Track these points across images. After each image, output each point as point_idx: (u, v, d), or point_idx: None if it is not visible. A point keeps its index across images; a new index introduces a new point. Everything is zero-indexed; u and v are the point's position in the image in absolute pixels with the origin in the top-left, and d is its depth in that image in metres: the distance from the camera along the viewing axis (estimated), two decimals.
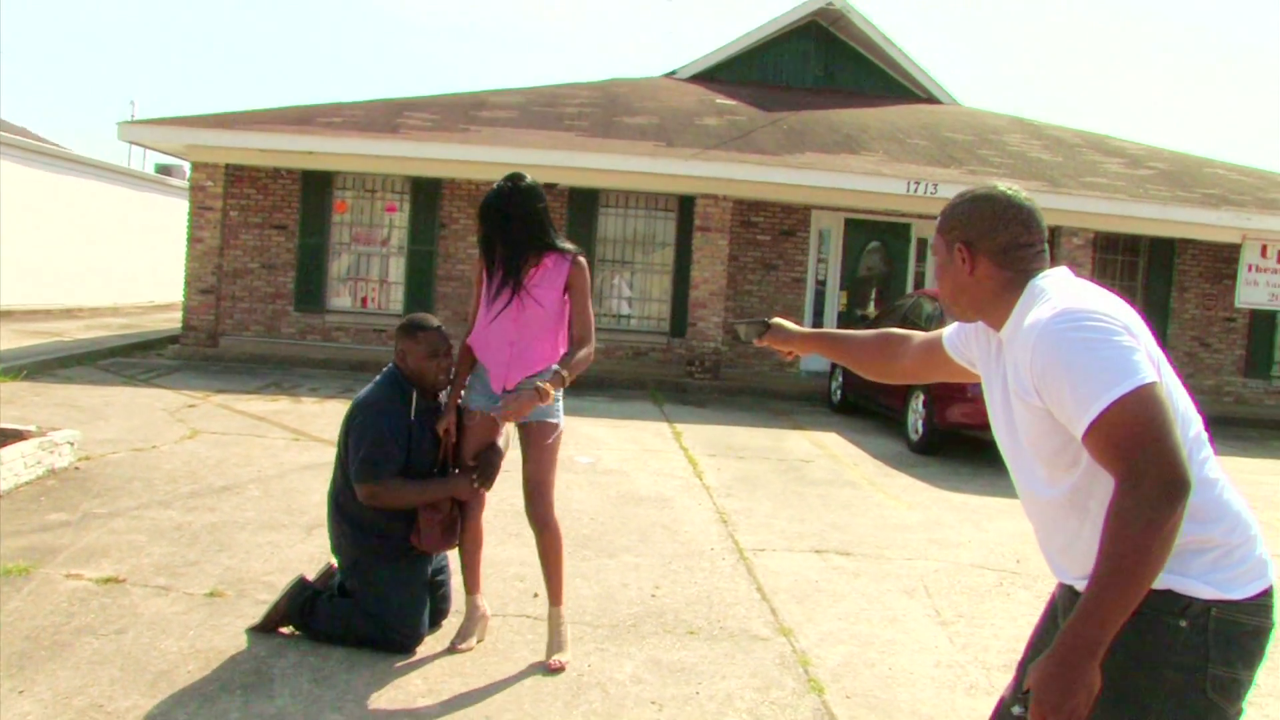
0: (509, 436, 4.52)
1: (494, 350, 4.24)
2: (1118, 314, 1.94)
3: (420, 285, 15.73)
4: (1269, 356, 17.19)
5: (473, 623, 4.43)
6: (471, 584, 4.49)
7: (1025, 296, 2.11)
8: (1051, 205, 14.28)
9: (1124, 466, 1.80)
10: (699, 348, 14.60)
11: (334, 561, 4.53)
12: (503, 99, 17.21)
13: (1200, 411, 2.11)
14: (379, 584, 4.25)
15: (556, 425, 4.30)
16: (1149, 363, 1.89)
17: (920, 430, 10.43)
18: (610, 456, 8.84)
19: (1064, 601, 2.19)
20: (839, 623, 5.06)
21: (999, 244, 2.15)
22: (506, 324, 4.20)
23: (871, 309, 16.57)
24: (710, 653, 4.51)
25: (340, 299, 15.97)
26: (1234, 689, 1.93)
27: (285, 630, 4.34)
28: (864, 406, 12.73)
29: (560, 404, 4.31)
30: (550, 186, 15.13)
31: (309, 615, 4.28)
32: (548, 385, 3.99)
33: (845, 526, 7.00)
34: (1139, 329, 1.95)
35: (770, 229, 16.39)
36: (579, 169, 13.84)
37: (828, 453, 10.02)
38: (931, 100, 20.53)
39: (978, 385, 8.88)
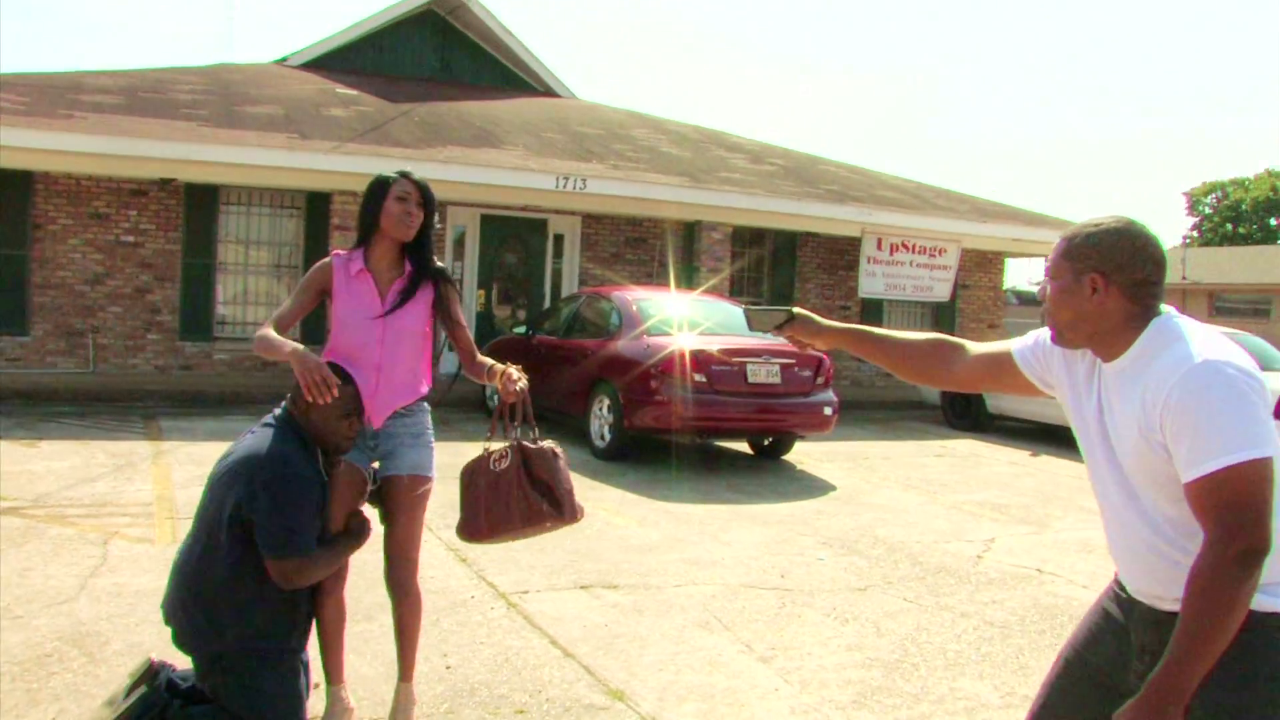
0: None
1: (359, 376, 3.47)
2: (1256, 372, 2.02)
3: (11, 296, 13.34)
4: None
5: None
6: (335, 672, 3.67)
7: (1152, 332, 2.14)
8: (694, 200, 14.58)
9: (1218, 527, 1.92)
10: None
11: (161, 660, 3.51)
12: (101, 82, 15.00)
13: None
14: (255, 686, 3.30)
15: (431, 479, 3.69)
16: (1272, 433, 1.96)
17: (607, 437, 10.12)
18: None
19: (1143, 617, 2.22)
20: (662, 674, 4.59)
21: (1135, 279, 2.15)
22: (371, 345, 3.51)
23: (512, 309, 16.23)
24: None
25: None
26: None
27: None
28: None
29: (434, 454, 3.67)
30: (166, 182, 13.48)
31: None
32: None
33: (591, 553, 6.53)
34: (1265, 384, 2.03)
35: None
36: (202, 162, 12.34)
37: None
38: (551, 94, 20.40)
39: (668, 388, 8.48)
